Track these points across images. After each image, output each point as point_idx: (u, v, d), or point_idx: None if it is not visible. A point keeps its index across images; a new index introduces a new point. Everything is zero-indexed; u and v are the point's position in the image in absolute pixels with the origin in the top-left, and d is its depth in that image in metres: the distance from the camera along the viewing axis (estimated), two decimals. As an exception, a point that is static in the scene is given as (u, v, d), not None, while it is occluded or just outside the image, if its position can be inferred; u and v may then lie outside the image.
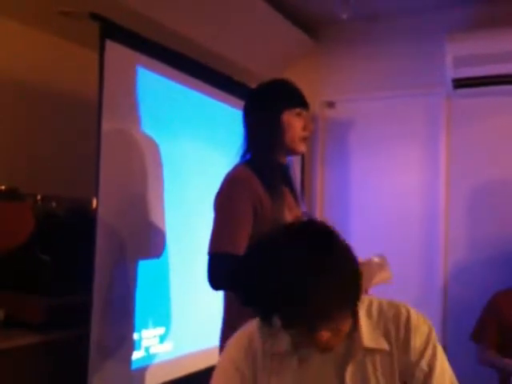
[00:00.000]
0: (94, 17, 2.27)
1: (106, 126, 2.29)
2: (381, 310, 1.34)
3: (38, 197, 2.55)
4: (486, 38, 3.49)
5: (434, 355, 1.31)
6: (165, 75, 2.71)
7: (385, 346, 1.30)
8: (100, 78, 2.27)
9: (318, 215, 4.06)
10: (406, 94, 3.88)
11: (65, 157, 2.75)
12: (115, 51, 2.37)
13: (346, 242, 1.23)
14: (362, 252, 2.07)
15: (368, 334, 1.30)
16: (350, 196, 4.04)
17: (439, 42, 3.59)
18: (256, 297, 1.20)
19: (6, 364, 2.10)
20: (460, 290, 3.64)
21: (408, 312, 1.33)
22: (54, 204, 2.63)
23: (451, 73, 3.59)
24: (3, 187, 2.34)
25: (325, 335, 1.18)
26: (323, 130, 4.17)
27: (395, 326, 1.32)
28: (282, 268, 1.15)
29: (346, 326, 1.24)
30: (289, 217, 2.02)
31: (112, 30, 2.35)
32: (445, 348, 1.39)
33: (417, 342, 1.30)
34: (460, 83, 3.63)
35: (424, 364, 1.30)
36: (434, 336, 1.33)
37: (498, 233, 3.57)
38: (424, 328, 1.32)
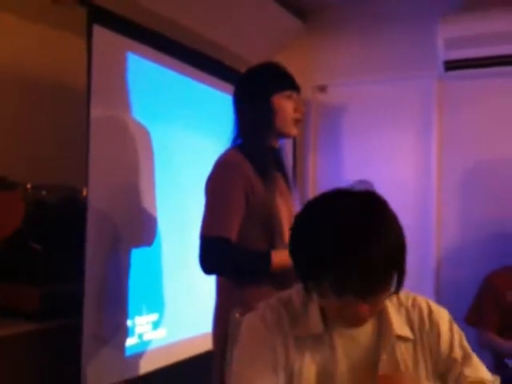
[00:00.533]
0: (82, 1, 2.24)
1: (95, 113, 2.27)
2: (399, 300, 1.34)
3: (28, 186, 2.53)
4: (478, 20, 3.47)
5: (461, 339, 1.34)
6: (155, 61, 2.68)
7: (409, 334, 1.31)
8: (88, 65, 2.23)
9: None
10: (397, 77, 3.87)
11: (55, 145, 2.72)
12: (104, 37, 2.34)
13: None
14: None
15: (395, 321, 1.30)
16: (342, 181, 4.03)
17: (431, 24, 3.58)
18: (313, 258, 1.16)
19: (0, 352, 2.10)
20: (453, 271, 3.66)
21: (428, 303, 1.35)
22: (44, 193, 2.60)
23: (443, 55, 3.58)
24: (-8, 176, 2.32)
25: (364, 307, 1.16)
26: (315, 114, 4.16)
27: (419, 317, 1.33)
28: (348, 230, 1.13)
29: (383, 302, 1.23)
30: (280, 202, 2.02)
31: (100, 15, 2.32)
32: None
33: (444, 331, 1.33)
34: (452, 65, 3.61)
35: (457, 349, 1.32)
36: (452, 319, 1.36)
37: (490, 214, 3.59)
38: (445, 316, 1.36)
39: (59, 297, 2.36)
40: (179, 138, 2.83)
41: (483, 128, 3.64)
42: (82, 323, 2.22)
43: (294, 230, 1.23)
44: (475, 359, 1.35)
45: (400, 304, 1.34)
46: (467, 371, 1.31)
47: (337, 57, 4.07)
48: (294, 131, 2.10)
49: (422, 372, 1.29)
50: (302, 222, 1.23)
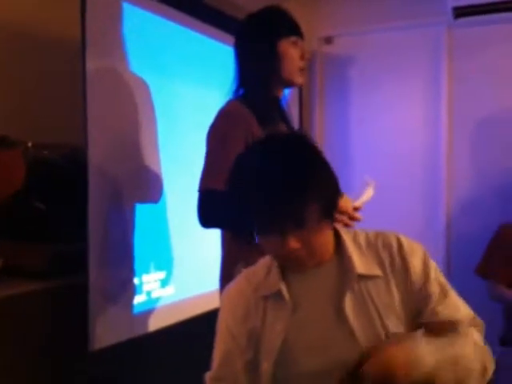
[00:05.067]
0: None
1: (91, 67, 2.19)
2: (368, 240, 1.35)
3: (29, 144, 2.48)
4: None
5: (436, 274, 1.33)
6: (151, 11, 2.58)
7: (378, 272, 1.30)
8: (82, 16, 2.14)
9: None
10: (405, 26, 3.77)
11: (51, 103, 2.65)
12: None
13: (321, 155, 1.27)
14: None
15: (359, 262, 1.30)
16: (350, 133, 3.97)
17: (439, -31, 3.46)
18: (236, 205, 1.29)
19: (6, 312, 2.08)
20: (464, 225, 3.62)
21: (398, 239, 1.34)
22: (45, 152, 2.56)
23: (451, 1, 3.46)
24: (-9, 136, 2.27)
25: (293, 243, 1.21)
26: (322, 66, 4.07)
27: (389, 254, 1.32)
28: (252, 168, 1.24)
29: (316, 238, 1.24)
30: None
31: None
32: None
33: (416, 265, 1.31)
34: (461, 12, 3.52)
35: (433, 283, 1.31)
36: (427, 255, 1.35)
37: (502, 165, 3.53)
38: (418, 250, 1.34)
39: (65, 255, 2.34)
40: (180, 90, 2.75)
41: (495, 76, 3.56)
42: (88, 282, 2.20)
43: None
44: (453, 297, 1.33)
45: (369, 244, 1.34)
46: (440, 308, 1.30)
47: (342, 6, 3.96)
48: (300, 80, 2.03)
49: (398, 307, 1.29)
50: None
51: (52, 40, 2.64)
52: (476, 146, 3.63)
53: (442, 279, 1.34)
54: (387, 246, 1.33)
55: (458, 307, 1.33)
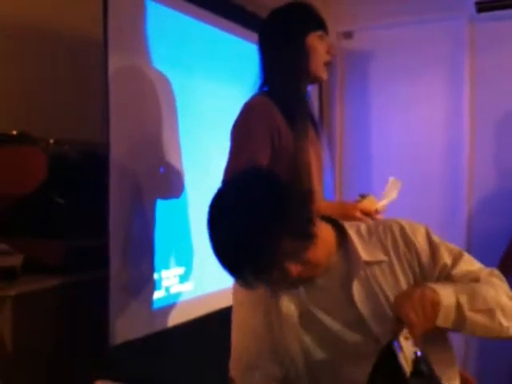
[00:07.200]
0: None
1: (113, 64, 2.20)
2: (369, 229, 1.40)
3: (51, 141, 2.50)
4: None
5: (445, 247, 1.37)
6: (173, 7, 2.59)
7: (381, 257, 1.34)
8: (104, 13, 2.15)
9: (338, 148, 3.99)
10: (426, 20, 3.71)
11: (74, 100, 2.67)
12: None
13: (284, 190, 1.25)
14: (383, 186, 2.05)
15: (363, 250, 1.34)
16: (370, 128, 3.94)
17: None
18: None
19: (25, 307, 2.11)
20: (485, 224, 3.57)
21: (399, 224, 1.38)
22: (67, 148, 2.58)
23: (474, -6, 3.43)
24: (14, 132, 2.29)
25: (294, 269, 1.23)
26: (341, 61, 4.04)
27: (391, 239, 1.36)
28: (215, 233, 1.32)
29: (313, 254, 1.26)
30: (310, 151, 1.96)
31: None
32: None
33: (420, 242, 1.35)
34: (484, 6, 3.47)
35: (445, 255, 1.35)
36: (430, 230, 1.39)
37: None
38: (420, 230, 1.37)
39: (85, 251, 2.36)
40: (201, 87, 2.75)
41: (518, 71, 3.50)
42: (109, 277, 2.21)
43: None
44: (466, 257, 1.37)
45: (370, 232, 1.39)
46: (454, 271, 1.34)
47: (362, 1, 3.92)
48: (325, 75, 2.03)
49: (406, 288, 1.32)
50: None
51: (75, 37, 2.66)
52: (498, 142, 3.58)
53: (450, 246, 1.38)
54: (389, 231, 1.37)
55: (472, 263, 1.38)
